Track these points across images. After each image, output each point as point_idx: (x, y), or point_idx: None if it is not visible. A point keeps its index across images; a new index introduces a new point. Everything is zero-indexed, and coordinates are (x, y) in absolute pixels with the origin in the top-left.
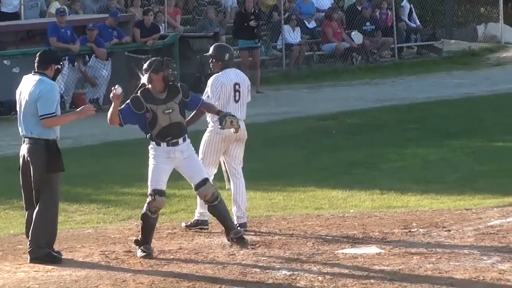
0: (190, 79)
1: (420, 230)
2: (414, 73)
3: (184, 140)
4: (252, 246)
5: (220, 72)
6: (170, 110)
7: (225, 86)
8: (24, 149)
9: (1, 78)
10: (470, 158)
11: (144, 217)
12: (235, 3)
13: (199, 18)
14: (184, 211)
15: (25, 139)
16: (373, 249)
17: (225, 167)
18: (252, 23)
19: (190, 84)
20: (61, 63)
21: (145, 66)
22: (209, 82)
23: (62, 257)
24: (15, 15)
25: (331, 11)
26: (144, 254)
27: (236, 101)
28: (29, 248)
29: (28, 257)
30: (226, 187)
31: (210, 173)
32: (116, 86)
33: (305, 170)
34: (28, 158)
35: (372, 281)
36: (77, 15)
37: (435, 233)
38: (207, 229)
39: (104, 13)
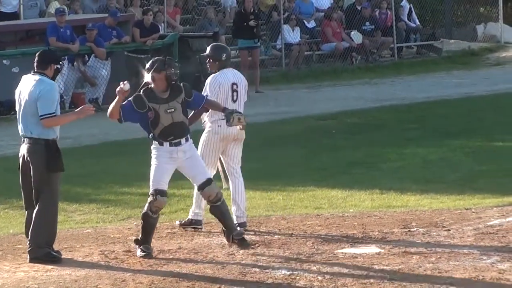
0: (190, 79)
1: (420, 229)
2: (414, 73)
3: (187, 140)
4: (252, 246)
5: (218, 72)
6: (173, 110)
7: (223, 86)
8: (23, 149)
9: (1, 78)
10: (469, 158)
11: (144, 216)
12: (235, 3)
13: (199, 18)
14: (183, 210)
15: (25, 139)
16: (372, 249)
17: (222, 167)
18: (252, 22)
19: (189, 84)
20: (61, 63)
21: (147, 65)
22: (207, 82)
23: (62, 256)
24: (14, 15)
25: (331, 10)
26: (144, 254)
27: (234, 101)
28: (29, 247)
29: (28, 256)
30: (224, 187)
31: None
32: (126, 82)
33: (305, 169)
34: (28, 158)
35: (371, 280)
36: (77, 15)
37: (434, 233)
38: (201, 229)
39: (103, 13)
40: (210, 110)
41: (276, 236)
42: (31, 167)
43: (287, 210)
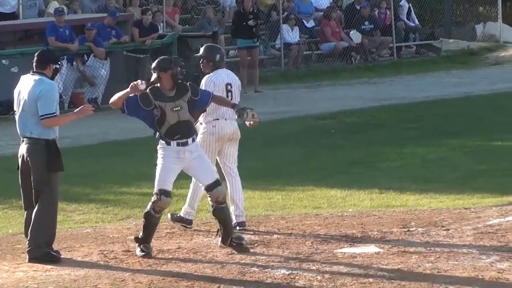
0: (189, 79)
1: (419, 229)
2: (413, 72)
3: (193, 140)
4: (251, 246)
5: (212, 73)
6: (179, 108)
7: (218, 87)
8: (23, 149)
9: (0, 78)
10: (469, 157)
11: (147, 215)
12: (234, 3)
13: (198, 17)
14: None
15: (24, 139)
16: (371, 248)
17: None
18: (251, 22)
19: None
20: (60, 62)
21: (153, 64)
22: (202, 82)
23: (61, 256)
24: (13, 15)
25: (330, 10)
26: (143, 253)
27: None
28: (28, 247)
29: (27, 256)
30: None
31: None
32: (143, 82)
33: (304, 169)
34: (28, 158)
35: (370, 280)
36: (76, 14)
37: (434, 232)
38: (190, 228)
39: (102, 13)
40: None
41: (275, 236)
42: (31, 167)
43: (286, 210)
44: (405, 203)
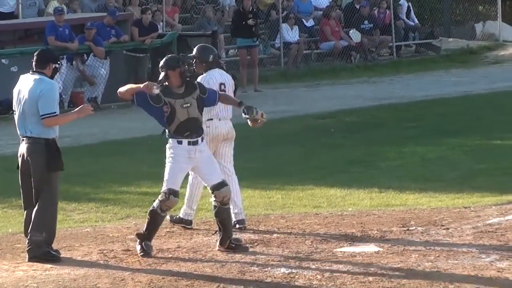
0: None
1: (419, 228)
2: (412, 72)
3: (202, 139)
4: (251, 245)
5: (205, 73)
6: (189, 105)
7: (211, 87)
8: (23, 148)
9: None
10: (468, 156)
11: (153, 213)
12: (233, 2)
13: (197, 16)
14: None
15: (24, 138)
16: (371, 248)
17: None
18: (250, 21)
19: None
20: (59, 62)
21: (161, 63)
22: None
23: (61, 256)
24: (11, 15)
25: (329, 9)
26: (143, 253)
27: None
28: (28, 246)
29: (27, 256)
30: None
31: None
32: (158, 87)
33: (304, 168)
34: (28, 158)
35: (370, 279)
36: (75, 14)
37: (433, 231)
38: (190, 228)
39: (102, 12)
40: None
41: (275, 235)
42: (31, 167)
43: (286, 209)
44: (405, 202)
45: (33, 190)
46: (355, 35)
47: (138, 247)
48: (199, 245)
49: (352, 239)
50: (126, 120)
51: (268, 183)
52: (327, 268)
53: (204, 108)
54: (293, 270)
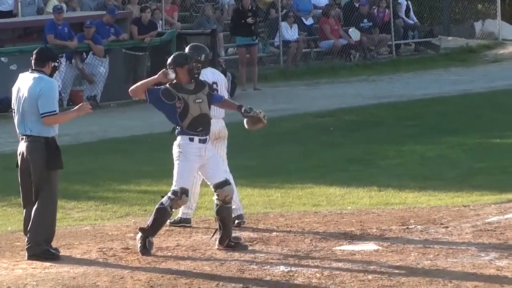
0: None
1: (418, 227)
2: (412, 70)
3: (209, 138)
4: (250, 243)
5: None
6: (201, 100)
7: None
8: (22, 147)
9: None
10: (467, 155)
11: (162, 210)
12: (232, 0)
13: (197, 15)
14: None
15: (24, 136)
16: (370, 246)
17: None
18: (250, 20)
19: None
20: (58, 60)
21: (169, 60)
22: None
23: (60, 254)
24: (10, 14)
25: (329, 8)
26: (142, 249)
27: None
28: (27, 245)
29: (26, 254)
30: None
31: (198, 177)
32: (173, 71)
33: (303, 167)
34: (28, 156)
35: (369, 277)
36: (75, 12)
37: (432, 230)
38: (190, 226)
39: (101, 10)
40: None
41: (274, 233)
42: (31, 165)
43: (285, 207)
44: (404, 201)
45: (33, 188)
46: (355, 34)
47: (139, 242)
48: (198, 243)
49: (352, 238)
50: (125, 118)
51: (267, 181)
52: (326, 266)
53: None
54: (292, 268)
